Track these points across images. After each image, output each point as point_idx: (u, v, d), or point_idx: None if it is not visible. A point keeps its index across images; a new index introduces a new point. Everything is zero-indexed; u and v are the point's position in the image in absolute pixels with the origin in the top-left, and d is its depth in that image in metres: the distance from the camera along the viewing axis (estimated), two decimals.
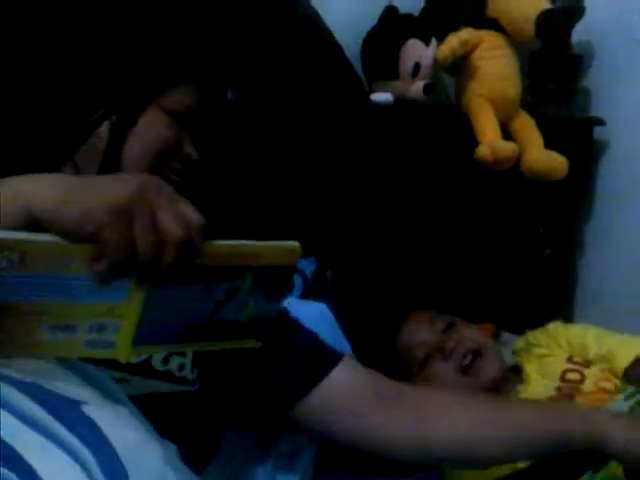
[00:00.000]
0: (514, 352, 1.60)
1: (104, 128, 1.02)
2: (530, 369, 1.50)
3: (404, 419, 1.05)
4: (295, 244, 0.75)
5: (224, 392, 1.05)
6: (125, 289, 0.68)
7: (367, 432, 1.05)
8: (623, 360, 1.44)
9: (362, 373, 1.09)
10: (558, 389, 1.43)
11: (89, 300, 0.67)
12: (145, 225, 0.65)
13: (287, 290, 1.13)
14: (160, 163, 1.03)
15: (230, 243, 0.71)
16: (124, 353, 0.72)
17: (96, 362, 0.82)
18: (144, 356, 0.97)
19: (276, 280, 0.77)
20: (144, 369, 0.97)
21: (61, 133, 1.02)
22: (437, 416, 1.05)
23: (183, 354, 1.01)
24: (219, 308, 0.75)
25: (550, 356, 1.53)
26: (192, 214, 0.68)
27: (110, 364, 0.91)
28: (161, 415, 0.82)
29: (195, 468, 0.80)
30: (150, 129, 1.02)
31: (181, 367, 1.00)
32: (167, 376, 0.99)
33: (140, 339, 0.72)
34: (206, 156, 1.09)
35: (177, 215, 0.67)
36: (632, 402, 1.32)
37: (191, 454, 0.82)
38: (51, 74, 1.07)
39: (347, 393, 1.06)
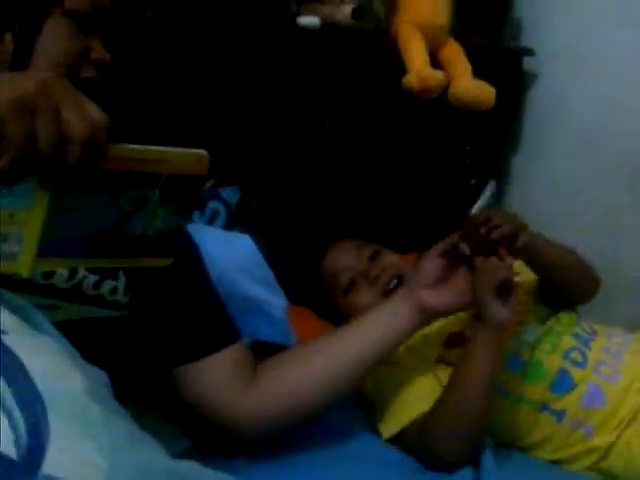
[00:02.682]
0: None
1: (8, 40, 0.96)
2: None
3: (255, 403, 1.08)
4: (203, 152, 0.74)
5: (148, 321, 1.05)
6: (27, 194, 0.66)
7: (230, 416, 1.07)
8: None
9: (243, 364, 1.09)
10: None
11: None
12: (48, 120, 0.64)
13: (196, 204, 1.11)
14: (72, 71, 0.98)
15: (137, 147, 0.69)
16: (27, 266, 0.69)
17: (25, 289, 0.82)
18: (74, 281, 0.96)
19: (185, 191, 0.76)
20: (74, 294, 0.97)
21: None
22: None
23: (116, 278, 1.00)
24: (127, 219, 0.73)
25: None
26: (97, 113, 0.67)
27: (39, 290, 0.89)
28: (91, 340, 0.82)
29: (124, 397, 0.80)
30: (53, 39, 0.97)
31: (113, 291, 1.00)
32: (98, 301, 0.99)
33: (44, 252, 0.69)
34: (121, 59, 1.04)
35: (82, 113, 0.66)
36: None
37: (122, 381, 0.82)
38: None
39: (220, 380, 1.07)
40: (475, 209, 1.20)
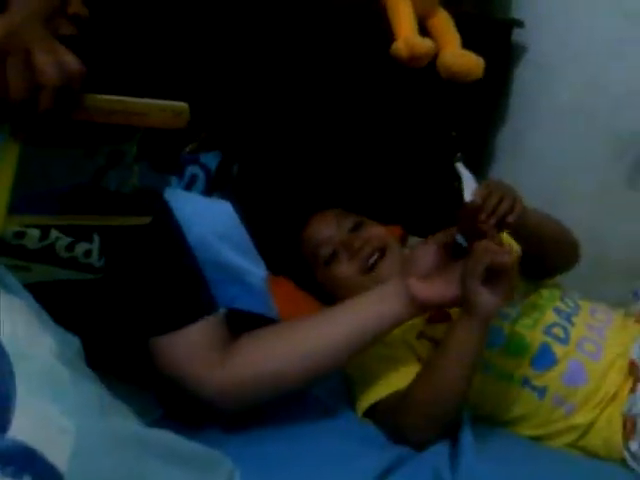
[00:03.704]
0: None
1: None
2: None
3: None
4: (183, 104, 0.71)
5: (123, 286, 1.03)
6: None
7: (204, 387, 1.06)
8: None
9: (218, 336, 1.08)
10: None
11: None
12: (19, 64, 0.62)
13: (174, 161, 1.09)
14: (48, 25, 0.95)
15: (113, 98, 0.67)
16: None
17: None
18: (46, 242, 0.92)
19: (163, 148, 0.73)
20: (46, 256, 0.93)
21: None
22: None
23: (90, 240, 0.96)
24: (101, 174, 0.71)
25: None
26: (72, 60, 0.66)
27: (10, 251, 0.86)
28: (64, 304, 0.81)
29: (96, 364, 0.78)
30: None
31: (87, 254, 0.97)
32: (71, 263, 0.96)
33: (16, 209, 0.67)
34: (99, 15, 1.01)
35: (55, 59, 0.64)
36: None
37: (91, 349, 0.80)
38: None
39: (196, 351, 1.05)
40: (467, 197, 1.14)
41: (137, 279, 1.03)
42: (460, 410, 1.16)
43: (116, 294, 1.03)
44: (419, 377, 1.16)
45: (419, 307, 1.12)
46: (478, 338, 1.11)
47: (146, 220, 0.79)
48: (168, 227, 1.08)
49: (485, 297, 1.07)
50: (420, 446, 1.12)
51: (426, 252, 1.15)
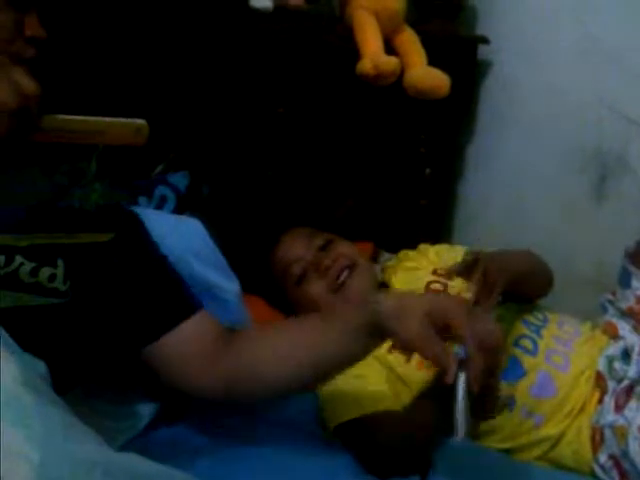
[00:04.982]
0: (383, 269, 1.59)
1: None
2: (396, 281, 1.50)
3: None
4: (141, 122, 0.71)
5: (95, 306, 1.02)
6: None
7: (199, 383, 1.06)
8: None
9: (211, 330, 1.08)
10: None
11: None
12: None
13: (136, 176, 1.09)
14: (6, 47, 0.95)
15: (70, 117, 0.67)
16: None
17: None
18: (10, 268, 0.92)
19: (123, 163, 0.73)
20: (10, 281, 0.93)
21: None
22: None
23: (54, 265, 0.96)
24: (63, 193, 0.71)
25: (416, 269, 1.54)
26: (28, 83, 0.67)
27: None
28: (30, 329, 0.81)
29: (62, 388, 0.78)
30: None
31: (51, 278, 0.97)
32: (36, 288, 0.96)
33: None
34: (58, 36, 1.01)
35: (10, 82, 0.66)
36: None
37: (60, 372, 0.80)
38: None
39: (193, 348, 1.05)
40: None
41: (115, 293, 1.03)
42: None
43: (89, 313, 1.02)
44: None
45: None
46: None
47: (108, 237, 0.79)
48: (139, 237, 1.07)
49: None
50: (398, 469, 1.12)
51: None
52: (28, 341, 0.76)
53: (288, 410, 1.22)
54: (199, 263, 1.31)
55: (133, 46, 1.40)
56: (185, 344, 1.05)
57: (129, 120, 0.71)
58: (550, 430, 1.25)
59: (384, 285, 1.52)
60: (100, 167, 0.72)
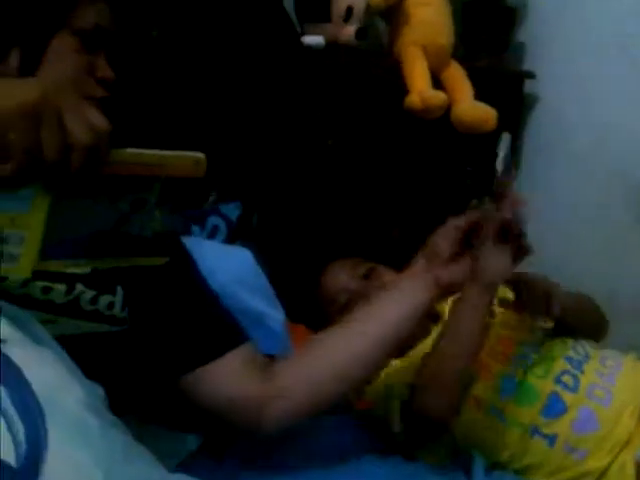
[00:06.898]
0: None
1: (14, 57, 0.97)
2: (444, 308, 1.51)
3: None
4: (200, 155, 0.75)
5: (147, 333, 1.04)
6: (28, 198, 0.67)
7: (249, 411, 1.05)
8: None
9: (255, 360, 1.07)
10: None
11: None
12: (52, 128, 0.65)
13: (193, 205, 1.11)
14: (78, 89, 0.99)
15: (136, 151, 0.71)
16: (28, 268, 0.70)
17: (24, 304, 0.82)
18: (72, 296, 0.96)
19: (182, 193, 0.77)
20: (71, 309, 0.96)
21: None
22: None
23: (113, 292, 1.00)
24: (125, 220, 0.74)
25: None
26: (99, 119, 0.68)
27: (38, 306, 0.90)
28: (87, 355, 0.82)
29: (120, 412, 0.79)
30: (60, 55, 0.98)
31: (110, 306, 1.00)
32: (95, 315, 0.99)
33: (45, 254, 0.70)
34: (125, 76, 1.05)
35: (84, 119, 0.67)
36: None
37: (118, 397, 0.82)
38: None
39: (236, 377, 1.04)
40: (497, 164, 1.18)
41: (165, 323, 1.04)
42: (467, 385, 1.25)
43: (144, 340, 1.03)
44: (432, 351, 1.24)
45: (445, 291, 1.14)
46: (482, 304, 1.17)
47: (165, 260, 0.82)
48: (187, 269, 1.10)
49: (494, 259, 1.12)
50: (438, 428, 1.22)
51: (445, 238, 1.15)
52: (85, 366, 0.78)
53: (330, 437, 1.24)
54: (247, 292, 1.32)
55: (192, 82, 1.44)
56: (234, 372, 1.04)
57: (188, 153, 0.75)
58: (594, 464, 1.25)
59: (436, 315, 1.54)
60: (161, 197, 0.75)
